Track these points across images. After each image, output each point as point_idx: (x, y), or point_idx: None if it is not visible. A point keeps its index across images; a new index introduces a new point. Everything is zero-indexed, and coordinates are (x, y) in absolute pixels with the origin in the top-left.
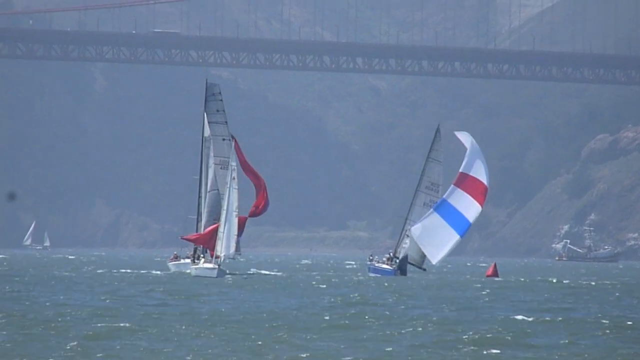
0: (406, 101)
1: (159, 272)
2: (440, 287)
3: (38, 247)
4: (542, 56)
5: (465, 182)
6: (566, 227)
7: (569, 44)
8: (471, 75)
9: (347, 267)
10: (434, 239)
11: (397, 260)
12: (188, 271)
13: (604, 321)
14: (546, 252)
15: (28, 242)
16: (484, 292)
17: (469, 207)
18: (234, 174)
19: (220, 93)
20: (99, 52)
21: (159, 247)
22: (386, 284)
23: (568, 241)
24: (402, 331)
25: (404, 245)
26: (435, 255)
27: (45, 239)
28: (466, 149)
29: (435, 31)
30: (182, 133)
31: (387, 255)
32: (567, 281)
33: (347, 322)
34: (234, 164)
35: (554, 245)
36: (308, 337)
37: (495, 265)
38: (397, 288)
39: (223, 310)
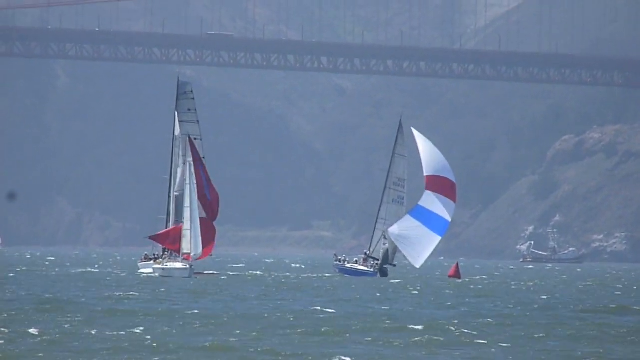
0: (371, 101)
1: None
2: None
3: None
4: (508, 56)
5: (434, 183)
6: (531, 229)
7: (535, 44)
8: (436, 75)
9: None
10: (416, 245)
11: (375, 261)
12: (150, 270)
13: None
14: (511, 254)
15: None
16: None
17: (445, 207)
18: (192, 169)
19: (192, 91)
20: (61, 49)
21: (121, 245)
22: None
23: (532, 243)
24: None
25: (383, 246)
26: (418, 259)
27: None
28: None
29: (401, 31)
30: (145, 131)
31: (363, 256)
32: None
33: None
34: (190, 159)
35: (518, 247)
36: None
37: (457, 265)
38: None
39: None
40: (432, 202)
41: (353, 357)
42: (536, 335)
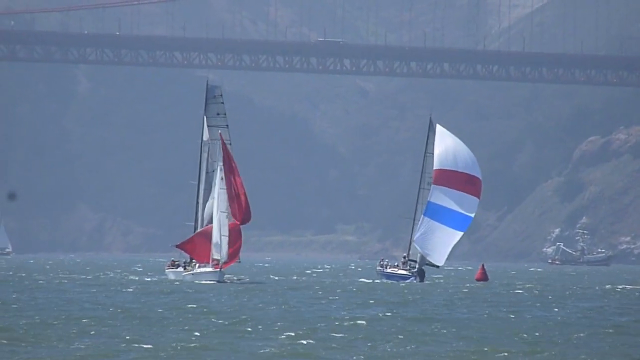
0: (394, 103)
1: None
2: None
3: None
4: (533, 57)
5: (442, 177)
6: (557, 231)
7: (559, 44)
8: (460, 76)
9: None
10: (434, 243)
11: (413, 263)
12: (181, 278)
13: None
14: (537, 256)
15: None
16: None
17: (459, 201)
18: (222, 175)
19: (221, 95)
20: (82, 53)
21: (144, 251)
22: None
23: (561, 244)
24: None
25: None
26: (439, 258)
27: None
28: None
29: (424, 32)
30: (166, 136)
31: (402, 260)
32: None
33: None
34: (221, 163)
35: (544, 249)
36: None
37: (483, 267)
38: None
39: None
40: (441, 197)
41: None
42: None
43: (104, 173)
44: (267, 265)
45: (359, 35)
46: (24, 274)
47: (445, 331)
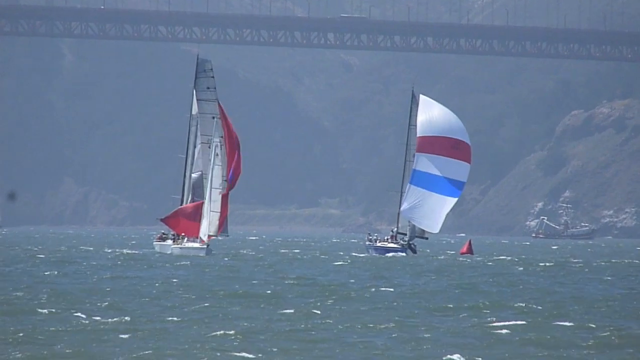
0: (378, 77)
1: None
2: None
3: None
4: (516, 31)
5: (426, 144)
6: (540, 205)
7: (543, 18)
8: (444, 50)
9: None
10: (425, 211)
11: (404, 238)
12: (169, 252)
13: None
14: (520, 230)
15: None
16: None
17: (445, 166)
18: (218, 150)
19: (212, 69)
20: (67, 27)
21: (128, 224)
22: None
23: (545, 218)
24: None
25: (409, 223)
26: (432, 225)
27: None
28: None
29: (408, 6)
30: (151, 110)
31: (391, 233)
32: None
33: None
34: (217, 140)
35: (527, 223)
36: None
37: (470, 242)
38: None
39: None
40: (426, 164)
41: None
42: None
43: (89, 147)
44: (254, 238)
45: (343, 10)
46: (63, 248)
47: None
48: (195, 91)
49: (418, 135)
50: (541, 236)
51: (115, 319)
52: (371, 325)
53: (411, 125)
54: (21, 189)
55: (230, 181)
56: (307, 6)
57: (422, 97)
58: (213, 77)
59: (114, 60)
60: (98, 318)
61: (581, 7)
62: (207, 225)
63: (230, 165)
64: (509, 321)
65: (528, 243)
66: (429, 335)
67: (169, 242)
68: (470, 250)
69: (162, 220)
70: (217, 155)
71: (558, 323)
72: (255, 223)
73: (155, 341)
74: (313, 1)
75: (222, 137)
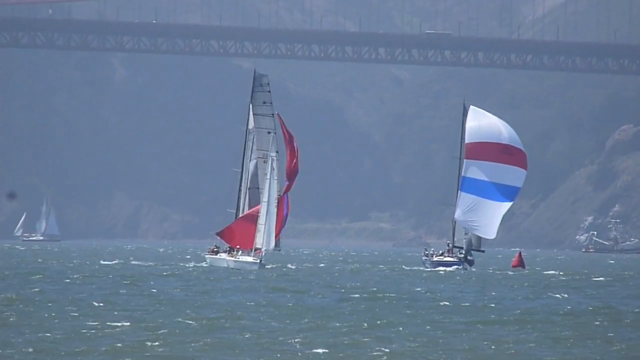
0: (429, 92)
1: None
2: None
3: (32, 237)
4: (566, 46)
5: (475, 150)
6: (590, 219)
7: (593, 34)
8: (494, 65)
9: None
10: (479, 217)
11: (460, 251)
12: (225, 265)
13: None
14: (569, 244)
15: (19, 233)
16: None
17: (495, 172)
18: (274, 165)
19: (268, 84)
20: (118, 42)
21: (179, 238)
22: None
23: (594, 233)
24: None
25: (465, 235)
26: (487, 231)
27: (40, 229)
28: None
29: (459, 21)
30: (203, 124)
31: (447, 247)
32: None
33: None
34: (273, 154)
35: (577, 237)
36: None
37: (520, 254)
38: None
39: None
40: (475, 171)
41: None
42: None
43: (140, 161)
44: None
45: (394, 24)
46: (144, 263)
47: None
48: (252, 105)
49: (466, 142)
50: (592, 250)
51: None
52: None
53: (463, 139)
54: (73, 202)
55: (289, 176)
56: (358, 21)
57: (472, 107)
58: (269, 91)
59: (165, 74)
60: None
61: (631, 22)
62: (262, 239)
63: (289, 164)
64: None
65: (582, 256)
66: None
67: (223, 255)
68: (521, 263)
69: (217, 234)
70: (274, 169)
71: None
72: (306, 237)
73: None
74: (364, 15)
75: (277, 152)
